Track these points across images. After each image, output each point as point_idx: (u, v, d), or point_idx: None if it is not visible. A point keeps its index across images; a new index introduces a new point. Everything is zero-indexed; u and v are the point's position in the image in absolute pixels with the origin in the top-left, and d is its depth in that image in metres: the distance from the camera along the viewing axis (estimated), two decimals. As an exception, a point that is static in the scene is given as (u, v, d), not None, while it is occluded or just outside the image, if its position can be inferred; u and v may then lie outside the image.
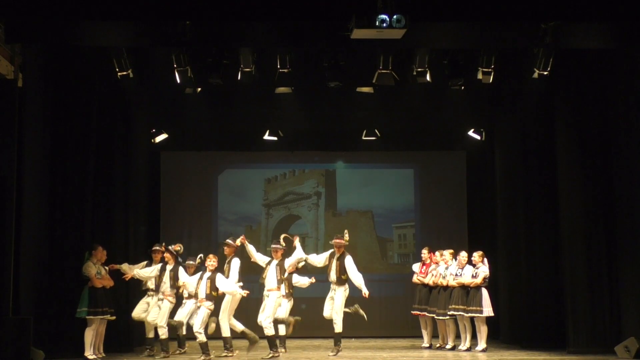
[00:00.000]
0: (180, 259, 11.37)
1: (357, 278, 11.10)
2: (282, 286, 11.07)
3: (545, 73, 11.01)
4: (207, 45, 10.87)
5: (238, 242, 11.17)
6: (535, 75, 11.12)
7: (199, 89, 12.59)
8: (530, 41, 10.44)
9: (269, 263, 11.17)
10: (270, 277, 11.05)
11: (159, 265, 11.26)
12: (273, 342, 10.81)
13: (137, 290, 11.60)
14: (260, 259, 11.31)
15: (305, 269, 11.67)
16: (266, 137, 14.56)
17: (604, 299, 11.49)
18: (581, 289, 11.54)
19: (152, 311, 11.20)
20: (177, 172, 15.03)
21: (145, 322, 11.31)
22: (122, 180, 12.12)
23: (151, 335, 11.34)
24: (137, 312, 11.32)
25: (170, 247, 11.33)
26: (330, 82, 11.39)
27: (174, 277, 11.10)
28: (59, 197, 10.97)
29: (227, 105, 13.25)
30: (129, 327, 11.67)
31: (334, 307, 11.08)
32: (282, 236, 11.44)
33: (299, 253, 11.23)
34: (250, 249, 11.27)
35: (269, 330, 10.82)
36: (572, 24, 10.25)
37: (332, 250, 11.36)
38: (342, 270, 11.14)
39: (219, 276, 10.64)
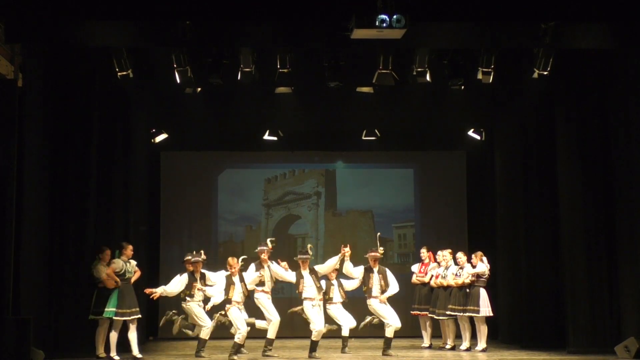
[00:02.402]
0: None
1: (396, 289, 11.36)
2: (338, 294, 11.31)
3: (545, 73, 11.00)
4: (207, 45, 10.86)
5: (269, 242, 11.30)
6: (535, 75, 11.10)
7: (199, 89, 12.57)
8: (530, 41, 10.45)
9: (300, 276, 11.09)
10: (311, 288, 11.04)
11: (185, 277, 11.04)
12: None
13: (138, 290, 11.57)
14: (289, 277, 11.20)
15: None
16: (266, 137, 14.56)
17: (604, 299, 11.49)
18: (581, 289, 11.54)
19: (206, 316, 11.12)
20: (177, 172, 15.04)
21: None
22: (122, 180, 12.12)
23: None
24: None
25: (197, 257, 11.22)
26: (330, 82, 11.38)
27: (204, 284, 11.10)
28: (59, 197, 10.96)
29: (227, 105, 13.25)
30: (129, 327, 11.65)
31: (389, 314, 11.26)
32: (309, 246, 11.56)
33: (334, 260, 11.20)
34: (275, 268, 11.18)
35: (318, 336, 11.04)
36: (572, 24, 10.25)
37: (365, 265, 11.40)
38: (386, 282, 11.28)
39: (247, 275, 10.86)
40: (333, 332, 11.68)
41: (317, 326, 10.95)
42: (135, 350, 10.67)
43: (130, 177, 12.35)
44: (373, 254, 11.36)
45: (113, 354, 10.59)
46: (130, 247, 11.00)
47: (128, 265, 10.81)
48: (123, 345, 11.50)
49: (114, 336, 10.65)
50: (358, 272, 11.36)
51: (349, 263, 11.23)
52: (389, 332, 11.30)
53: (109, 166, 11.88)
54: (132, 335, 10.69)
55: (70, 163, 11.13)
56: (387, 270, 11.45)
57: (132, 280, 10.89)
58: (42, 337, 10.06)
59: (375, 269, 11.35)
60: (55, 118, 10.90)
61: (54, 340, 10.56)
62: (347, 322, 11.49)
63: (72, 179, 11.13)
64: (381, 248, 11.42)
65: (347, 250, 11.10)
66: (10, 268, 9.53)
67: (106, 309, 10.56)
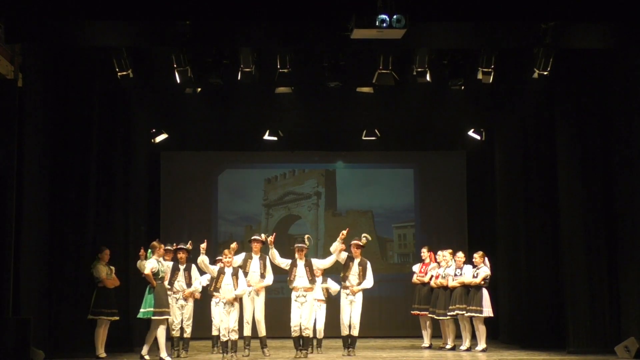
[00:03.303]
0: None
1: (369, 284, 11.25)
2: (319, 291, 11.25)
3: (545, 73, 11.00)
4: (207, 45, 10.88)
5: (264, 236, 11.26)
6: (535, 75, 11.11)
7: (199, 89, 12.59)
8: (530, 41, 10.45)
9: (294, 264, 11.07)
10: (301, 278, 11.00)
11: (169, 265, 11.11)
12: (308, 342, 11.00)
13: (138, 290, 11.59)
14: (283, 262, 11.17)
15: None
16: (266, 137, 14.57)
17: (604, 299, 11.49)
18: (581, 289, 11.53)
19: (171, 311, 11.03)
20: (177, 172, 15.05)
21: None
22: (122, 180, 12.12)
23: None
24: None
25: (183, 245, 11.28)
26: (330, 82, 11.39)
27: (189, 277, 11.13)
28: (59, 197, 10.97)
29: (227, 105, 13.25)
30: (129, 327, 11.66)
31: (356, 311, 11.17)
32: (306, 236, 11.46)
33: (333, 259, 11.20)
34: (275, 252, 11.15)
35: (310, 332, 10.97)
36: (572, 24, 10.25)
37: (349, 254, 11.32)
38: (364, 275, 11.22)
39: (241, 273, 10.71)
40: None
41: (292, 321, 10.90)
42: (163, 352, 10.53)
43: (130, 177, 12.35)
44: (355, 242, 11.35)
45: (163, 354, 10.45)
46: (163, 246, 10.97)
47: (161, 265, 10.76)
48: (123, 344, 11.53)
49: (161, 335, 10.48)
50: (341, 256, 11.23)
51: (340, 242, 11.14)
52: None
53: (109, 166, 11.89)
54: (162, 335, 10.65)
55: (70, 163, 11.14)
56: (368, 263, 11.36)
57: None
58: (42, 337, 10.08)
59: (357, 260, 11.29)
60: (55, 118, 10.91)
61: (54, 340, 10.57)
62: (318, 321, 11.38)
63: (72, 179, 11.14)
64: (364, 239, 11.38)
65: (345, 232, 11.04)
66: (10, 268, 9.54)
67: (142, 310, 10.49)
